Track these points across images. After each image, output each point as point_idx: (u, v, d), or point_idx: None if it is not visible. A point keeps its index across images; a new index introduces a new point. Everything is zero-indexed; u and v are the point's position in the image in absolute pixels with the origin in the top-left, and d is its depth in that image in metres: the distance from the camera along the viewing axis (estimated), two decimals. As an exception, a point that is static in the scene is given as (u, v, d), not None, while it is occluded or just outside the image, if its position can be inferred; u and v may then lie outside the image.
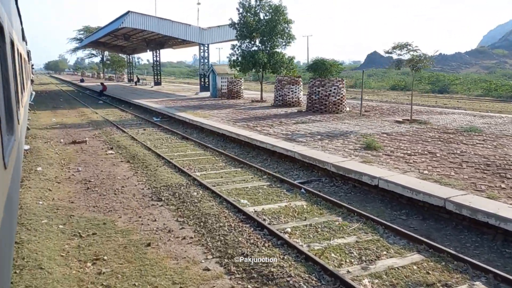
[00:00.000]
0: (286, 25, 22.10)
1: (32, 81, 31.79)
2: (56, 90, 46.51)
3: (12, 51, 4.88)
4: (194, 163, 10.19)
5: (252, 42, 22.76)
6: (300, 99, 20.77)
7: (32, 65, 74.28)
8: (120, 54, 62.93)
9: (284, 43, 22.52)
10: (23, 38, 12.57)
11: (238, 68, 23.10)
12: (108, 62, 63.11)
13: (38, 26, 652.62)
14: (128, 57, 55.88)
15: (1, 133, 2.75)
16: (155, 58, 43.95)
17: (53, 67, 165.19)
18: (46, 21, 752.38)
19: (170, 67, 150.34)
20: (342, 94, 17.13)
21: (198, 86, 43.46)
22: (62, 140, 13.88)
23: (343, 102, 17.32)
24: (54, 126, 17.22)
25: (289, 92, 20.41)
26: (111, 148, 12.46)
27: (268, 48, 22.33)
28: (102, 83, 36.75)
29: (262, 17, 22.29)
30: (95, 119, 19.50)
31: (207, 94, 30.74)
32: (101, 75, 79.13)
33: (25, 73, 11.96)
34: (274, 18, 21.75)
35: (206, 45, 30.94)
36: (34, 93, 26.98)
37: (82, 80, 60.71)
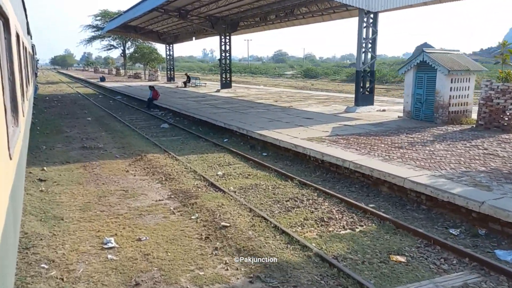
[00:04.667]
0: None
1: (36, 74, 31.74)
2: (71, 94, 31.68)
3: (18, 44, 4.79)
4: None
5: None
6: None
7: (37, 60, 61.07)
8: (150, 43, 47.74)
9: None
10: (28, 32, 11.77)
11: None
12: (137, 54, 47.42)
13: (43, 20, 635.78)
14: (168, 47, 40.48)
15: (6, 124, 2.72)
16: (223, 47, 28.62)
17: (60, 62, 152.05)
18: (51, 16, 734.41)
19: (182, 62, 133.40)
20: None
21: (300, 91, 27.26)
22: None
23: None
24: None
25: None
26: None
27: None
28: (152, 87, 21.90)
29: None
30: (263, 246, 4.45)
31: (374, 109, 15.78)
32: (121, 71, 64.13)
33: (30, 66, 11.41)
34: None
35: (373, 14, 15.88)
36: (38, 86, 27.98)
37: (102, 79, 45.60)
